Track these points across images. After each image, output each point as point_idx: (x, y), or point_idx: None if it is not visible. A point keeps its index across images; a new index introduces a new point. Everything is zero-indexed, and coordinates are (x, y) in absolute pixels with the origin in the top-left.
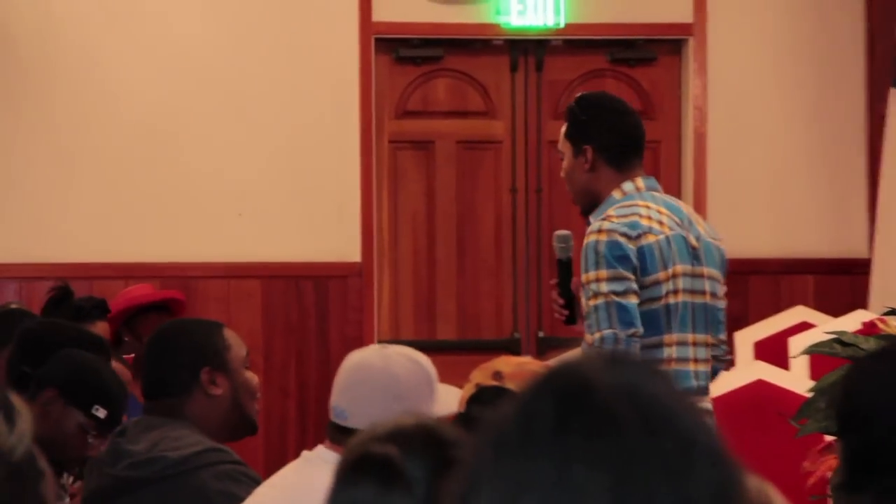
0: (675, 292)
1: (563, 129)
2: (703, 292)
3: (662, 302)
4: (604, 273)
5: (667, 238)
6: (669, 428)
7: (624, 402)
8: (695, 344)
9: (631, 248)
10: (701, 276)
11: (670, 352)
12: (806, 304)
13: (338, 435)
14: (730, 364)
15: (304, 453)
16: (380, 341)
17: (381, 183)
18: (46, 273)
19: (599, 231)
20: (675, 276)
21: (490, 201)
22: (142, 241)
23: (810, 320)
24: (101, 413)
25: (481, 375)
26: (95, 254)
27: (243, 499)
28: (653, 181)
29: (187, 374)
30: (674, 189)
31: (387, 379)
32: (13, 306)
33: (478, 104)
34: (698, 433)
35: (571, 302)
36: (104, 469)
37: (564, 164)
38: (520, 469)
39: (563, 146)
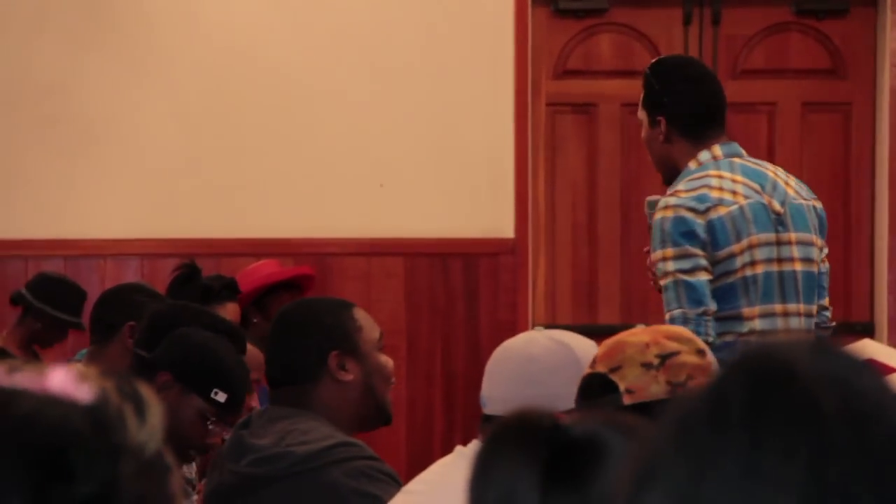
0: (753, 263)
1: (641, 96)
2: (791, 259)
3: (739, 275)
4: (670, 251)
5: (740, 208)
6: (876, 425)
7: (828, 392)
8: (785, 314)
9: (699, 222)
10: (788, 242)
11: (752, 325)
12: None
13: (484, 424)
14: (834, 331)
15: (458, 448)
16: (535, 325)
17: (538, 150)
18: (170, 249)
19: (665, 207)
20: (751, 246)
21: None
22: (274, 215)
23: None
24: (220, 397)
25: (588, 366)
26: (223, 229)
27: (378, 497)
28: (734, 147)
29: (315, 359)
30: (867, 156)
31: (522, 361)
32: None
33: (646, 62)
34: None
35: None
36: (227, 465)
37: (643, 133)
38: (704, 453)
39: (641, 114)
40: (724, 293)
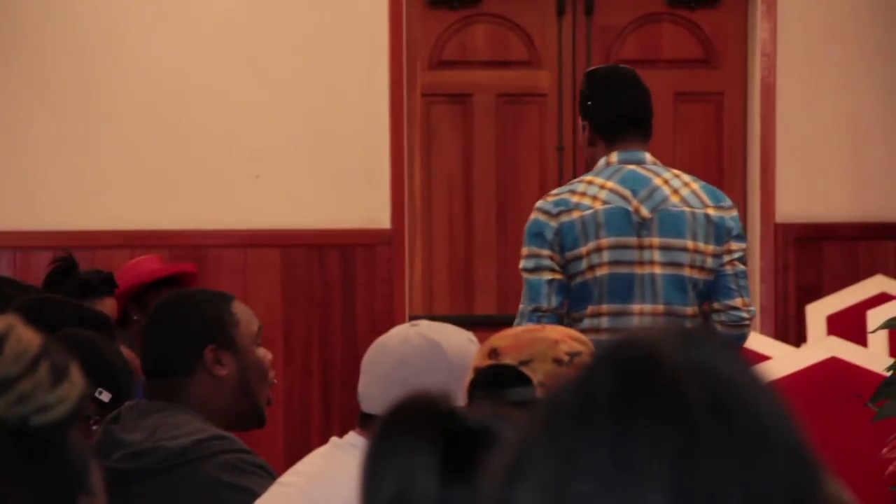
0: (600, 265)
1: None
2: (651, 262)
3: (587, 275)
4: (524, 250)
5: (594, 213)
6: (742, 414)
7: (693, 382)
8: (641, 314)
9: (551, 224)
10: (650, 246)
11: (598, 322)
12: (886, 272)
13: (362, 420)
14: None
15: (333, 439)
16: (411, 317)
17: (413, 141)
18: (44, 242)
19: (533, 209)
20: (599, 249)
21: (534, 161)
22: (149, 207)
23: (891, 291)
24: (104, 397)
25: (478, 357)
26: (98, 221)
27: (250, 489)
28: (634, 154)
29: (190, 352)
30: (739, 146)
31: (395, 363)
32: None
33: (521, 53)
34: (775, 422)
35: None
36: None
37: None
38: (574, 448)
39: (579, 120)
40: (578, 293)
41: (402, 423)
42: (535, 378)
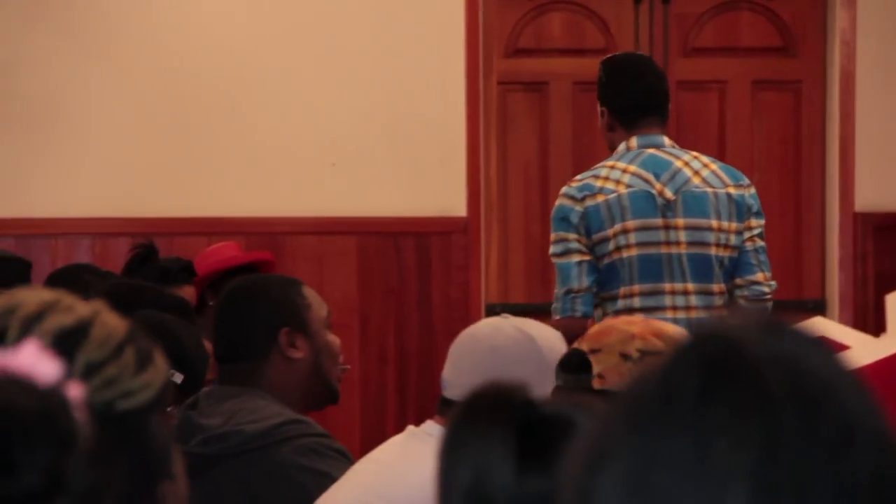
0: (627, 247)
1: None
2: (677, 243)
3: (615, 256)
4: (552, 236)
5: (618, 196)
6: (828, 405)
7: (778, 375)
8: (672, 293)
9: (576, 209)
10: (675, 227)
11: (631, 302)
12: None
13: (442, 407)
14: (774, 304)
15: (410, 428)
16: (487, 305)
17: (489, 129)
18: (122, 229)
19: (558, 196)
20: (625, 231)
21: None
22: (226, 195)
23: None
24: (177, 378)
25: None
26: (175, 208)
27: (328, 474)
28: (653, 138)
29: (264, 336)
30: (817, 135)
31: (486, 351)
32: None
33: (597, 40)
34: (861, 413)
35: None
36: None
37: (599, 122)
38: (654, 442)
39: (601, 105)
40: (606, 275)
41: (479, 412)
42: (597, 368)
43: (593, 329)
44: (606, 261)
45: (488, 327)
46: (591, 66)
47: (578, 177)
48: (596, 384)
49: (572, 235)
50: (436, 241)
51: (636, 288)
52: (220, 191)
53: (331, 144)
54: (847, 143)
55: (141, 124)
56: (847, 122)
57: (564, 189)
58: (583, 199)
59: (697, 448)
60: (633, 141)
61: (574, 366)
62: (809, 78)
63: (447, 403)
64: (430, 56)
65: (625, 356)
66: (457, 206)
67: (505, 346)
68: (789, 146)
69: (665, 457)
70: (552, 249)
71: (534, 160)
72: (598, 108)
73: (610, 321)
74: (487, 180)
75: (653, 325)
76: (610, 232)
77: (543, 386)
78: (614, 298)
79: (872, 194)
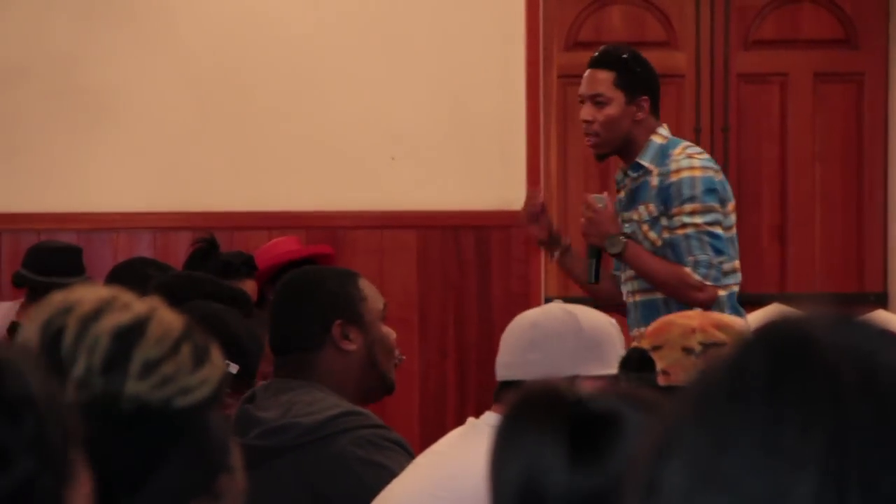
0: (733, 225)
1: (605, 75)
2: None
3: (731, 232)
4: (699, 206)
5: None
6: None
7: (849, 365)
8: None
9: (718, 179)
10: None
11: (736, 277)
12: None
13: (497, 392)
14: None
15: (470, 420)
16: (547, 298)
17: (550, 122)
18: (182, 223)
19: (692, 168)
20: (733, 209)
21: None
22: (285, 189)
23: None
24: (232, 369)
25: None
26: (236, 202)
27: (386, 465)
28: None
29: (318, 327)
30: (879, 128)
31: (528, 326)
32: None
33: (658, 33)
34: None
35: (598, 262)
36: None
37: (610, 111)
38: (724, 427)
39: (612, 94)
40: (731, 245)
41: (530, 409)
42: (660, 364)
43: (652, 326)
44: (728, 233)
45: (536, 309)
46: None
47: (693, 150)
48: (661, 381)
49: (718, 206)
50: (496, 234)
51: (737, 264)
52: (280, 185)
53: (390, 138)
54: None
55: (201, 118)
56: None
57: (703, 161)
58: (718, 171)
59: (766, 436)
60: (666, 129)
61: (636, 363)
62: (872, 70)
63: (501, 389)
64: (490, 49)
65: (687, 350)
66: (517, 199)
67: (545, 321)
68: (851, 139)
69: (733, 446)
70: (704, 219)
71: (593, 154)
72: (621, 98)
73: (667, 317)
74: (547, 173)
75: (712, 317)
76: (731, 206)
77: (580, 360)
78: (735, 271)
79: None
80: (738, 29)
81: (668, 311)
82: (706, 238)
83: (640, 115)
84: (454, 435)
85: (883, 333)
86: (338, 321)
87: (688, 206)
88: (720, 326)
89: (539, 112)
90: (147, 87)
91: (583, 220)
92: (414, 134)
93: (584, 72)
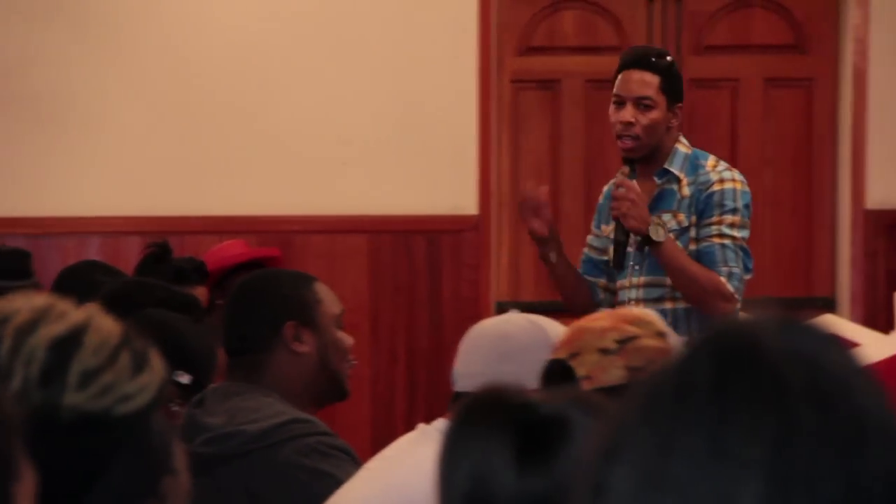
0: None
1: (652, 79)
2: None
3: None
4: (738, 219)
5: None
6: (842, 402)
7: (793, 369)
8: None
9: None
10: None
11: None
12: None
13: (453, 402)
14: None
15: (421, 426)
16: (497, 303)
17: (501, 127)
18: (133, 228)
19: (734, 180)
20: None
21: None
22: (237, 194)
23: None
24: (184, 379)
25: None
26: (186, 207)
27: (332, 474)
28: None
29: (270, 328)
30: (829, 132)
31: (496, 338)
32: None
33: (610, 38)
34: (874, 411)
35: (624, 247)
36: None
37: (655, 115)
38: (671, 430)
39: (658, 98)
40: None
41: (478, 414)
42: (581, 371)
43: (564, 337)
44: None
45: (498, 319)
46: (603, 64)
47: (725, 164)
48: (586, 386)
49: (750, 224)
50: (447, 239)
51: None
52: (231, 189)
53: (342, 143)
54: (859, 141)
55: (153, 123)
56: (859, 119)
57: (742, 176)
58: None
59: (711, 440)
60: (685, 139)
61: (558, 376)
62: (822, 76)
63: (459, 397)
64: (442, 54)
65: (604, 350)
66: (468, 204)
67: (514, 332)
68: (801, 144)
69: (679, 448)
70: (741, 233)
71: (545, 158)
72: (663, 103)
73: (576, 323)
74: (499, 178)
75: (621, 314)
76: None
77: None
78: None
79: (884, 192)
80: (689, 34)
81: (674, 322)
82: (741, 252)
83: (675, 122)
84: (404, 441)
85: (827, 337)
86: (290, 322)
87: (728, 218)
88: (632, 321)
89: (491, 117)
90: (97, 92)
91: (617, 202)
92: (365, 139)
93: (536, 76)
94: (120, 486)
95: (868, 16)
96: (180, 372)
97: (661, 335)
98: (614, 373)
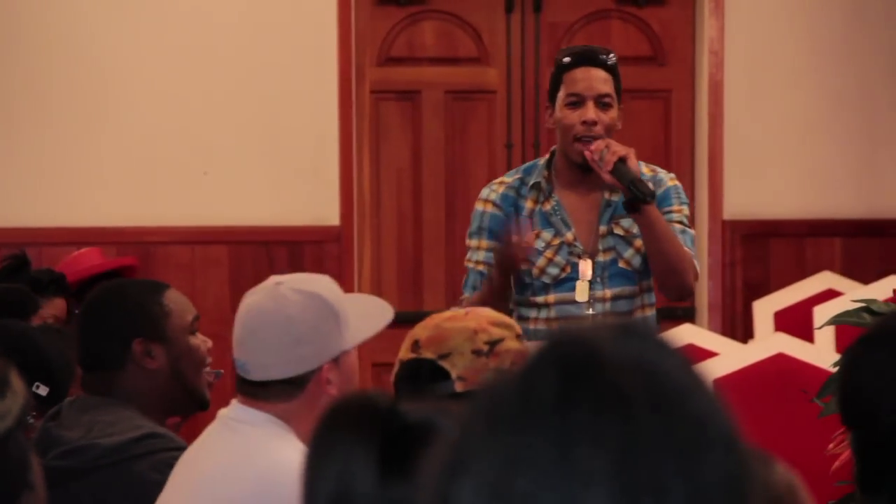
0: None
1: (607, 77)
2: None
3: None
4: (687, 213)
5: None
6: (681, 408)
7: (633, 378)
8: None
9: None
10: None
11: None
12: (832, 269)
13: (248, 389)
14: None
15: (221, 412)
16: None
17: (362, 137)
18: None
19: (674, 179)
20: None
21: (483, 157)
22: (96, 203)
23: (837, 287)
24: (42, 391)
25: (403, 349)
26: (45, 217)
27: None
28: None
29: (118, 345)
30: (686, 143)
31: (282, 324)
32: None
33: (469, 50)
34: (713, 417)
35: (641, 180)
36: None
37: (613, 114)
38: (515, 445)
39: (613, 97)
40: None
41: (341, 422)
42: (454, 372)
43: (425, 336)
44: None
45: (269, 301)
46: (463, 75)
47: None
48: (459, 387)
49: None
50: (309, 250)
51: None
52: (89, 200)
53: (203, 153)
54: (716, 152)
55: (7, 133)
56: (716, 130)
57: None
58: None
59: (557, 450)
60: None
61: (428, 375)
62: (678, 87)
63: (256, 385)
64: (302, 64)
65: (477, 352)
66: (329, 215)
67: (297, 314)
68: (658, 154)
69: (525, 459)
70: (690, 227)
71: (407, 169)
72: (615, 102)
73: (434, 323)
74: (360, 189)
75: (481, 314)
76: None
77: (343, 333)
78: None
79: (741, 202)
80: (548, 45)
81: None
82: (691, 244)
83: (620, 123)
84: (207, 434)
85: (663, 343)
86: (138, 339)
87: (685, 209)
88: (494, 323)
89: (352, 127)
90: None
91: (607, 155)
92: (226, 148)
93: (396, 87)
94: None
95: (724, 28)
96: (38, 384)
97: (519, 337)
98: (487, 375)
